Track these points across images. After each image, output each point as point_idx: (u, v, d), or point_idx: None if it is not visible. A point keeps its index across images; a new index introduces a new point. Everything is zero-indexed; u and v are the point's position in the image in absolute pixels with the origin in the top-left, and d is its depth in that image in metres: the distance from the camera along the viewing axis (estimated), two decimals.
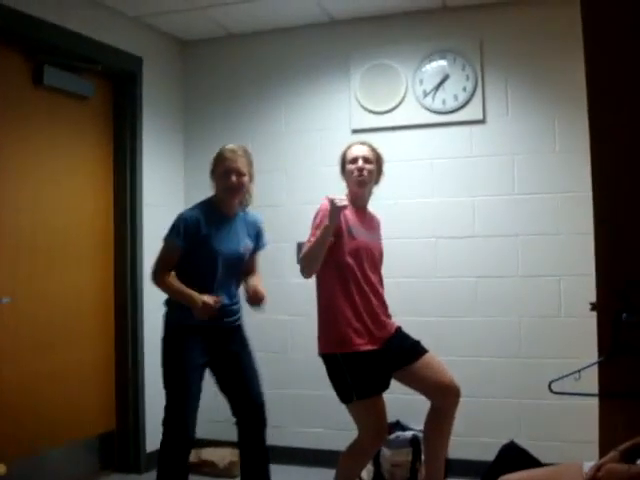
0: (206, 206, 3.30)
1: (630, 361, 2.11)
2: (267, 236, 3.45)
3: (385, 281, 4.30)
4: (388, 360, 3.18)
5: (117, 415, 4.27)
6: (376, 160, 3.30)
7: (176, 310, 3.20)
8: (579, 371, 2.17)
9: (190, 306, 3.09)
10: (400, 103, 4.35)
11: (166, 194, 4.61)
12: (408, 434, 3.97)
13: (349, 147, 3.33)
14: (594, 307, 2.19)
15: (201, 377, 3.22)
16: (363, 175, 3.23)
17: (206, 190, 4.67)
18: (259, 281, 3.36)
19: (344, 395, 3.10)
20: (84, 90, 4.03)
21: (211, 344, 3.23)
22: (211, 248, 3.18)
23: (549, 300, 4.03)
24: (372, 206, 3.43)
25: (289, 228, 4.40)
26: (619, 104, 2.07)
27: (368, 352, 3.09)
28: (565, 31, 3.95)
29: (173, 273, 3.20)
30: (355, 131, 4.41)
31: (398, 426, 4.05)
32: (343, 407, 3.14)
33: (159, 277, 3.16)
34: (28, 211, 3.73)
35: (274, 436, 3.40)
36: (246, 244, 3.34)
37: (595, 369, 2.27)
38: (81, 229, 4.08)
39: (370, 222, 3.38)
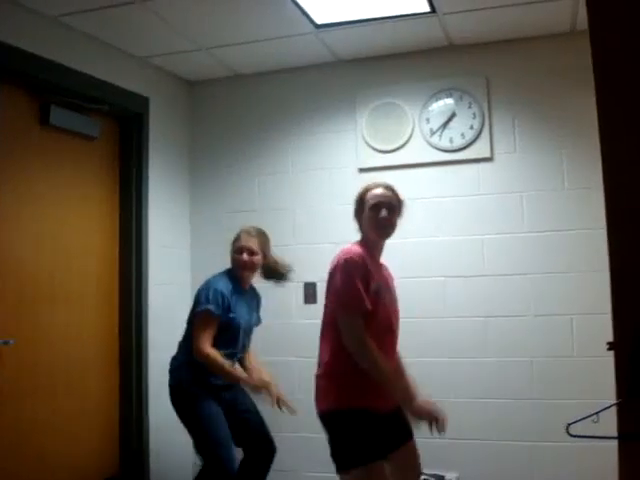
0: (229, 276, 3.53)
1: None
2: None
3: None
4: (391, 432, 2.79)
5: (121, 460, 4.16)
6: (399, 207, 2.86)
7: (190, 371, 3.39)
8: (597, 413, 2.08)
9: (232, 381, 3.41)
10: (407, 142, 4.34)
11: (172, 236, 4.57)
12: None
13: (369, 189, 2.84)
14: (611, 346, 2.11)
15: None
16: (388, 230, 2.82)
17: (210, 232, 4.70)
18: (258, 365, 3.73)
19: (350, 457, 2.62)
20: (90, 130, 4.01)
21: (220, 398, 3.47)
22: (234, 318, 3.43)
23: (561, 340, 3.95)
24: None
25: (296, 269, 4.32)
26: (634, 136, 2.01)
27: (384, 416, 2.72)
28: (571, 67, 3.95)
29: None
30: (362, 170, 4.38)
31: None
32: None
33: (205, 349, 3.29)
34: (31, 253, 3.67)
35: None
36: (255, 317, 3.71)
37: (613, 410, 2.19)
38: (85, 272, 4.02)
39: (387, 276, 2.95)
